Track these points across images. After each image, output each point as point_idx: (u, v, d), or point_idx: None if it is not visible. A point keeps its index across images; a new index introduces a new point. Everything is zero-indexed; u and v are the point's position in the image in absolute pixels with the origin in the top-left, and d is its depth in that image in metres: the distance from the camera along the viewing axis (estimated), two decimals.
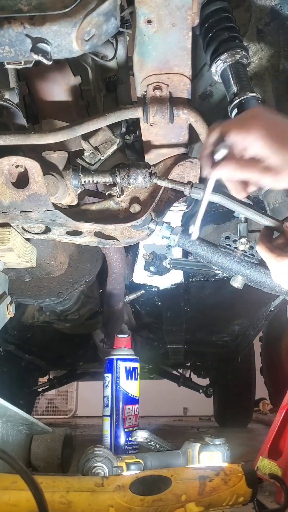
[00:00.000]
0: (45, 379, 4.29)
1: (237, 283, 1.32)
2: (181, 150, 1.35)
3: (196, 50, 1.26)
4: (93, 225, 1.34)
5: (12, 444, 1.50)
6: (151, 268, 1.89)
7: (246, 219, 1.33)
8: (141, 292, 2.37)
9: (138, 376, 1.85)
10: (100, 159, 1.30)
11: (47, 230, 1.38)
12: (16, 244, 1.36)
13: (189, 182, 1.23)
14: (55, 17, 0.99)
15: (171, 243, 1.35)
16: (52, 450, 1.62)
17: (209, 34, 1.23)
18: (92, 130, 1.22)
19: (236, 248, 1.30)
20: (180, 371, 4.31)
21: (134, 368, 1.83)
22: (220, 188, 1.13)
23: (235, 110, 1.20)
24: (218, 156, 0.91)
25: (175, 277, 2.13)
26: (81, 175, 1.28)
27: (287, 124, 0.90)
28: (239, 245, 1.29)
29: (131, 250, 2.11)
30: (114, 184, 1.30)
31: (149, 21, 1.07)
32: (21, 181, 1.16)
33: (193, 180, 1.34)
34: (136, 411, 1.80)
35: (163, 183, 1.28)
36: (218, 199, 1.18)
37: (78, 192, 1.31)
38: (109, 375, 1.81)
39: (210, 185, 0.98)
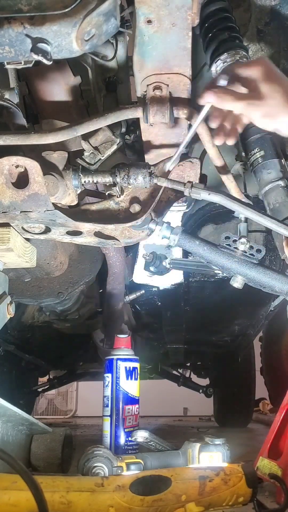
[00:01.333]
0: (45, 379, 4.29)
1: (237, 283, 1.32)
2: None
3: (196, 50, 1.26)
4: (93, 225, 1.34)
5: (12, 444, 1.50)
6: (151, 268, 1.89)
7: (246, 219, 1.33)
8: (141, 292, 2.37)
9: (138, 376, 1.85)
10: (100, 159, 1.30)
11: (47, 230, 1.38)
12: (16, 244, 1.36)
13: (189, 182, 1.23)
14: (55, 17, 0.99)
15: (171, 243, 1.35)
16: (52, 450, 1.62)
17: (209, 34, 1.23)
18: (92, 130, 1.22)
19: (236, 248, 1.30)
20: (180, 371, 4.31)
21: (134, 368, 1.83)
22: (220, 188, 1.13)
23: None
24: (219, 82, 1.01)
25: (175, 277, 2.13)
26: (81, 175, 1.28)
27: (283, 76, 1.01)
28: (239, 245, 1.29)
29: (131, 250, 2.11)
30: (114, 184, 1.30)
31: (149, 21, 1.07)
32: (21, 181, 1.16)
33: (193, 180, 1.35)
34: (136, 411, 1.80)
35: (163, 183, 1.28)
36: (219, 199, 1.18)
37: (78, 192, 1.31)
38: (109, 375, 1.81)
39: (206, 108, 1.06)
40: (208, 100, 1.03)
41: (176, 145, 1.33)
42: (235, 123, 1.12)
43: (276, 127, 1.01)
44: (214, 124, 1.12)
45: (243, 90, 1.02)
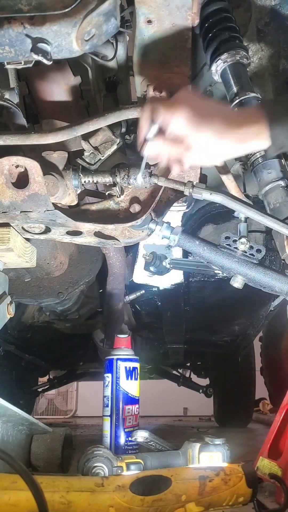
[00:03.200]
0: (45, 379, 4.29)
1: (237, 283, 1.32)
2: None
3: (196, 50, 1.26)
4: (93, 225, 1.34)
5: (12, 444, 1.50)
6: (151, 268, 1.89)
7: (246, 219, 1.33)
8: (141, 292, 2.37)
9: (138, 376, 1.85)
10: (100, 159, 1.30)
11: (47, 230, 1.38)
12: (16, 244, 1.36)
13: (189, 182, 1.23)
14: (55, 17, 0.99)
15: (171, 243, 1.35)
16: (52, 450, 1.62)
17: (209, 34, 1.23)
18: (92, 130, 1.22)
19: (236, 248, 1.30)
20: (180, 371, 4.31)
21: (134, 368, 1.83)
22: (221, 188, 1.13)
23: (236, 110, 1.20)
24: (149, 135, 1.01)
25: (175, 277, 2.13)
26: (81, 175, 1.28)
27: (210, 107, 1.00)
28: (239, 245, 1.29)
29: (131, 250, 2.11)
30: (114, 184, 1.30)
31: (149, 21, 1.07)
32: (21, 181, 1.16)
33: (193, 179, 1.34)
34: (136, 411, 1.80)
35: (163, 183, 1.28)
36: (221, 199, 1.18)
37: (78, 192, 1.31)
38: (109, 375, 1.81)
39: (144, 161, 1.11)
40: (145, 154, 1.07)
41: None
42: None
43: (209, 165, 1.07)
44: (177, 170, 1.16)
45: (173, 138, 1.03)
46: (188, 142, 0.98)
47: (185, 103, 0.99)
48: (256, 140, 0.98)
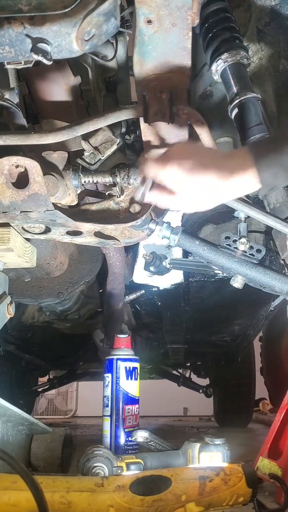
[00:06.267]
0: (45, 379, 4.29)
1: (237, 283, 1.32)
2: None
3: (196, 50, 1.26)
4: (93, 225, 1.34)
5: (12, 444, 1.50)
6: (151, 268, 1.89)
7: (246, 219, 1.33)
8: (141, 292, 2.37)
9: (138, 376, 1.85)
10: (100, 159, 1.30)
11: (47, 230, 1.38)
12: (16, 244, 1.36)
13: None
14: (55, 17, 0.99)
15: (171, 243, 1.35)
16: (52, 450, 1.62)
17: (210, 34, 1.23)
18: (92, 130, 1.22)
19: (236, 248, 1.30)
20: (180, 371, 4.31)
21: (134, 368, 1.83)
22: None
23: (236, 110, 1.20)
24: (145, 189, 1.13)
25: (175, 277, 2.13)
26: (81, 175, 1.28)
27: (201, 159, 1.07)
28: (239, 245, 1.29)
29: (131, 250, 2.10)
30: (114, 184, 1.30)
31: (149, 21, 1.07)
32: (21, 181, 1.16)
33: None
34: (136, 411, 1.80)
35: None
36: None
37: (78, 192, 1.31)
38: (109, 375, 1.81)
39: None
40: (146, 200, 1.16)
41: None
42: None
43: (206, 209, 1.11)
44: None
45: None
46: (181, 189, 1.07)
47: (174, 159, 1.07)
48: (247, 187, 1.04)
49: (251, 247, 1.30)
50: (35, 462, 1.61)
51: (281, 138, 1.07)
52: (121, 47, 1.35)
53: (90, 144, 1.29)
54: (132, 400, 1.79)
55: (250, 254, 1.30)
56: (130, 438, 1.71)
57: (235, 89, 1.20)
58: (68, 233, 1.39)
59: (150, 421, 4.61)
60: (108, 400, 1.79)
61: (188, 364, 4.18)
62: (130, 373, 1.81)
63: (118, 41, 1.31)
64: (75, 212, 1.36)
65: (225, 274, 1.40)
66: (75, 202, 1.33)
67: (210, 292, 2.39)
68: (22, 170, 1.15)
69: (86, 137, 1.28)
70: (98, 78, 1.45)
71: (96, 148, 1.29)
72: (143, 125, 1.25)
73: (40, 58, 1.01)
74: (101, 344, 2.57)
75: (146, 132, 1.28)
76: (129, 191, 1.35)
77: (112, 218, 1.36)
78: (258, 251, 1.30)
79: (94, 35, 1.03)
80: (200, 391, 4.06)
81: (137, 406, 1.81)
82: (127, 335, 1.95)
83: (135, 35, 1.11)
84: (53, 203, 1.22)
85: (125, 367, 1.81)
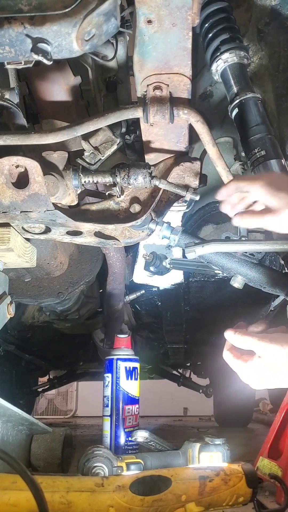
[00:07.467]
0: (45, 379, 4.29)
1: (237, 283, 1.32)
2: (182, 150, 1.35)
3: (196, 50, 1.26)
4: (93, 225, 1.34)
5: (12, 444, 1.50)
6: (151, 268, 1.89)
7: None
8: (141, 292, 2.37)
9: (138, 376, 1.85)
10: (100, 159, 1.30)
11: (47, 230, 1.38)
12: (16, 244, 1.36)
13: (188, 187, 1.24)
14: (55, 17, 0.99)
15: (171, 243, 1.35)
16: (52, 450, 1.62)
17: (210, 34, 1.23)
18: (92, 130, 1.22)
19: None
20: (180, 371, 4.31)
21: (134, 368, 1.83)
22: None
23: (236, 110, 1.20)
24: (239, 208, 1.11)
25: (175, 277, 2.13)
26: (81, 175, 1.28)
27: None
28: None
29: (131, 250, 2.10)
30: (114, 184, 1.30)
31: (149, 21, 1.07)
32: (21, 181, 1.16)
33: (193, 180, 1.34)
34: (136, 411, 1.80)
35: (164, 186, 1.28)
36: (213, 248, 1.22)
37: (78, 192, 1.31)
38: (109, 375, 1.81)
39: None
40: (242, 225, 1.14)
41: (176, 145, 1.33)
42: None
43: None
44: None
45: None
46: (271, 204, 1.04)
47: (263, 176, 1.10)
48: None
49: None
50: (35, 462, 1.61)
51: None
52: (121, 47, 1.35)
53: (90, 144, 1.29)
54: (132, 400, 1.79)
55: (250, 254, 1.30)
56: (130, 438, 1.71)
57: (235, 89, 1.20)
58: (68, 233, 1.39)
59: (150, 421, 4.61)
60: (108, 400, 1.79)
61: (188, 364, 4.17)
62: (130, 373, 1.81)
63: (118, 41, 1.31)
64: (75, 212, 1.36)
65: (225, 274, 1.40)
66: (75, 202, 1.33)
67: (210, 292, 2.39)
68: (22, 170, 1.15)
69: (86, 137, 1.28)
70: (98, 78, 1.45)
71: (96, 148, 1.29)
72: (143, 125, 1.25)
73: (40, 58, 1.01)
74: (101, 344, 2.57)
75: (146, 132, 1.28)
76: (129, 191, 1.35)
77: (112, 218, 1.36)
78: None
79: (94, 35, 1.03)
80: (200, 391, 4.06)
81: (137, 406, 1.81)
82: (127, 335, 1.95)
83: (135, 35, 1.11)
84: (53, 203, 1.22)
85: (125, 367, 1.81)
